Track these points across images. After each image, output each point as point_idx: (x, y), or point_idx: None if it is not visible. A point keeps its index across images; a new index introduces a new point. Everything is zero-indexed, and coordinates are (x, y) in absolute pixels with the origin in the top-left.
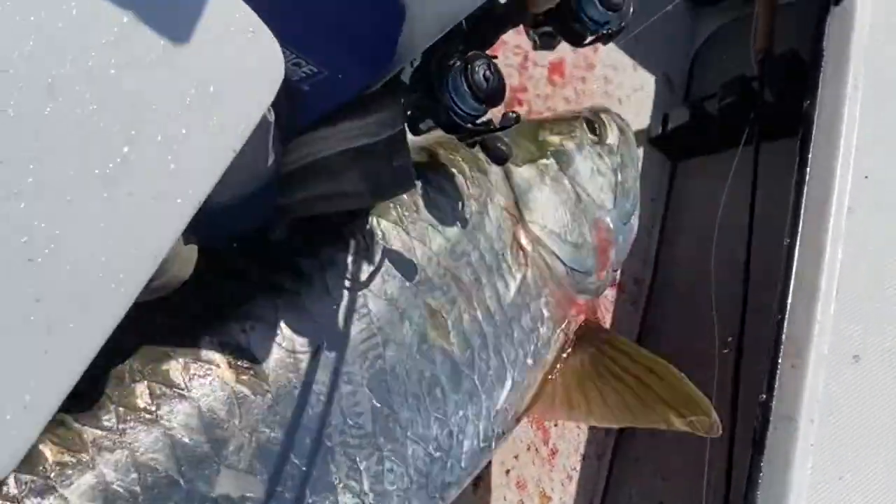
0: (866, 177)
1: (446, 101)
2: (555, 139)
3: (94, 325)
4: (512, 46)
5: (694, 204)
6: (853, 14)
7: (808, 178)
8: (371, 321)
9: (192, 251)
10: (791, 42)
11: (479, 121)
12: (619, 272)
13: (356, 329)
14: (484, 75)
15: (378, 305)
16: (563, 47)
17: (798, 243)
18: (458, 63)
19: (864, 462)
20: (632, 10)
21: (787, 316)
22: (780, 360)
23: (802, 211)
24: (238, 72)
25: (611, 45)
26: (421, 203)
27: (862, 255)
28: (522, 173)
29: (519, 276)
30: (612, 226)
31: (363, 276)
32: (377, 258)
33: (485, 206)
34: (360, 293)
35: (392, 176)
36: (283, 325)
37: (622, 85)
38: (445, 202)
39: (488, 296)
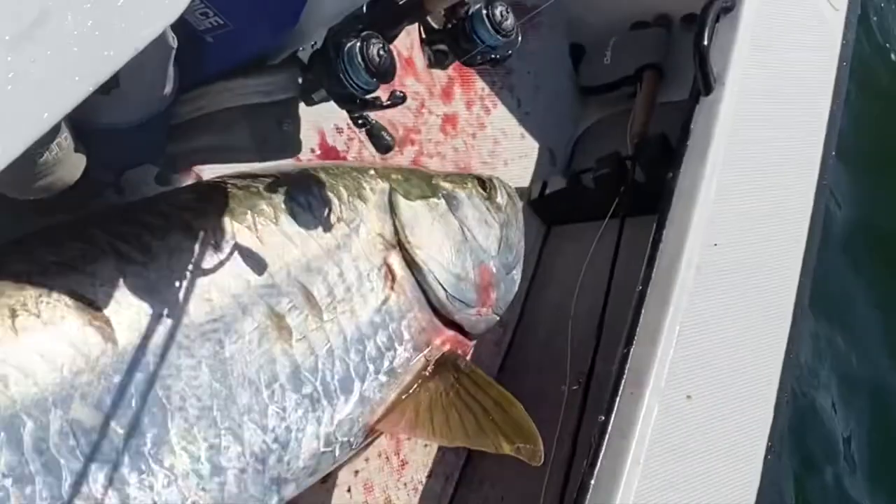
0: (716, 244)
1: (340, 72)
2: (447, 185)
3: None
4: (411, 92)
5: (562, 262)
6: (720, 102)
7: (664, 234)
8: (213, 308)
9: (80, 159)
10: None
11: (369, 96)
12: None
13: (198, 311)
14: (378, 52)
15: (221, 297)
16: (459, 105)
17: (649, 290)
18: (355, 40)
19: (686, 487)
20: (520, 39)
21: (632, 349)
22: (621, 387)
23: (656, 262)
24: None
25: (503, 112)
26: (282, 216)
27: (705, 309)
28: (411, 204)
29: (382, 297)
30: (494, 270)
31: (206, 266)
32: (224, 255)
33: (356, 230)
34: (203, 280)
35: (280, 138)
36: (128, 290)
37: (508, 149)
38: (311, 220)
39: (341, 311)
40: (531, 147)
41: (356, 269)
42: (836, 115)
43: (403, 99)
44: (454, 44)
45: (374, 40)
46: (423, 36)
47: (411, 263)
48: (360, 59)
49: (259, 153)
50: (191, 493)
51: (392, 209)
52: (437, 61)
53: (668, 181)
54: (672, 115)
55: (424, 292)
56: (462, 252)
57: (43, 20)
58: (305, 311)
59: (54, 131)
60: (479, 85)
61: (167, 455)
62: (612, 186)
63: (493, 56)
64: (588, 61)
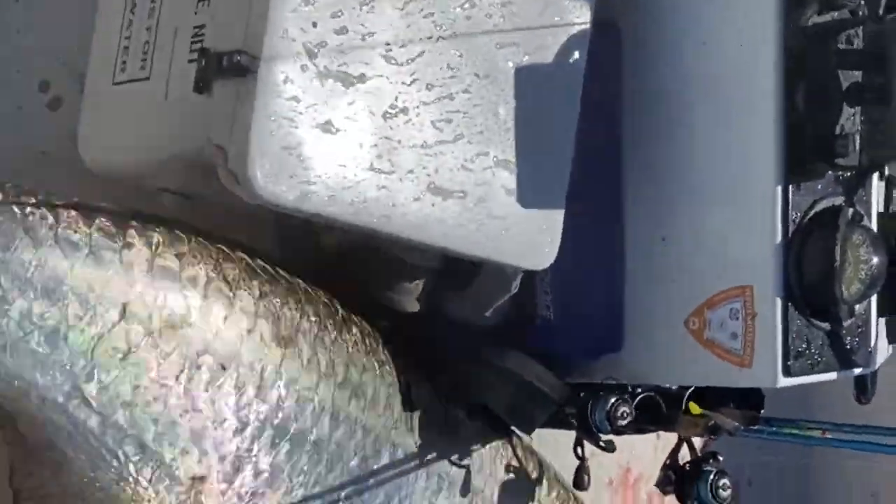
0: None
1: (589, 406)
2: None
3: None
4: None
5: None
6: None
7: None
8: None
9: (415, 305)
10: None
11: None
12: None
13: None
14: (622, 413)
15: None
16: None
17: None
18: (614, 399)
19: None
20: None
21: None
22: None
23: None
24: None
25: None
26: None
27: None
28: None
29: None
30: None
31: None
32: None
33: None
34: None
35: (523, 414)
36: None
37: None
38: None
39: None
40: None
41: None
42: None
43: (612, 450)
44: (680, 480)
45: (625, 406)
46: (667, 461)
47: None
48: (607, 408)
49: (505, 411)
50: None
51: None
52: (662, 483)
53: None
54: None
55: None
56: None
57: (460, 195)
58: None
59: (424, 275)
60: None
61: None
62: None
63: None
64: None
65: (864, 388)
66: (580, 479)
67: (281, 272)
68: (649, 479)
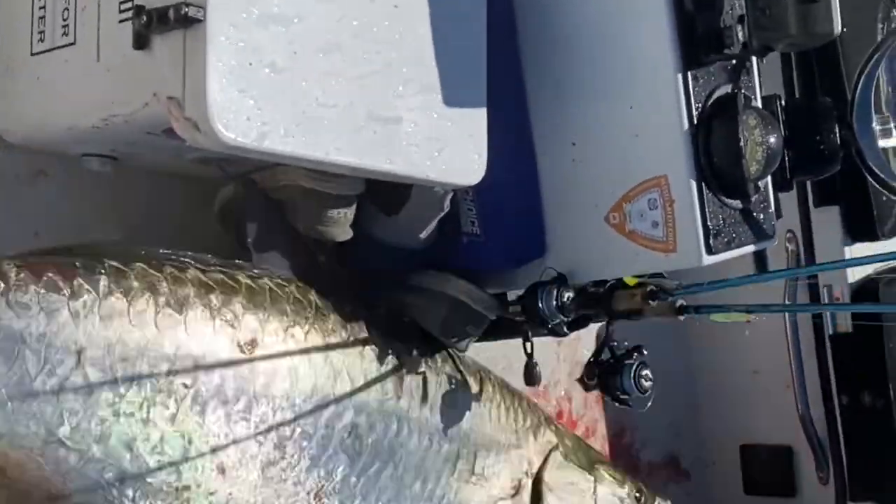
0: None
1: (539, 298)
2: (606, 473)
3: None
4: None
5: None
6: None
7: None
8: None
9: (348, 233)
10: None
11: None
12: None
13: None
14: (568, 298)
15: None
16: None
17: None
18: (554, 287)
19: None
20: (650, 403)
21: None
22: None
23: None
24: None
25: None
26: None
27: None
28: (565, 463)
29: (503, 496)
30: None
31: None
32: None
33: (517, 446)
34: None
35: (457, 332)
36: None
37: None
38: (493, 413)
39: (471, 482)
40: None
41: (497, 464)
42: None
43: (566, 334)
44: (605, 375)
45: (568, 290)
46: (592, 359)
47: (536, 497)
48: (555, 295)
49: (438, 329)
50: None
51: (547, 456)
52: (586, 374)
53: None
54: None
55: None
56: None
57: (397, 121)
58: (458, 466)
59: (349, 203)
60: None
61: None
62: None
63: (626, 402)
64: None
65: (764, 264)
66: (530, 374)
67: (242, 277)
68: (557, 385)
